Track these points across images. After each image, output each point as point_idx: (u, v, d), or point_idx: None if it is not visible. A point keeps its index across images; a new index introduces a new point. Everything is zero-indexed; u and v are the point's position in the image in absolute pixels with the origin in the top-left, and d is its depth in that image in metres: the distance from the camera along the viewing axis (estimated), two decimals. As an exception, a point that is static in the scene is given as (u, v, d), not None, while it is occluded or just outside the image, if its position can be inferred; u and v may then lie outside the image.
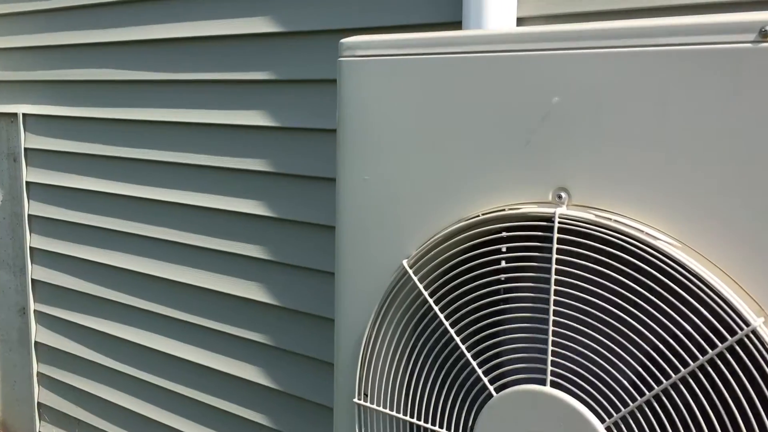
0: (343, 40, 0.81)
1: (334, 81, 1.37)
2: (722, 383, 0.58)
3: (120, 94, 1.83)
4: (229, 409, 1.76)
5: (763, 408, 0.56)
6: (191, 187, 1.76)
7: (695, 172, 0.60)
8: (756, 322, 0.56)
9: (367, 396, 0.82)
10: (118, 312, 1.93)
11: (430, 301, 0.74)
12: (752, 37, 0.57)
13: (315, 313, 1.55)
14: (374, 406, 0.81)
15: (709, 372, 0.58)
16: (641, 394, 0.62)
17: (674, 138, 0.60)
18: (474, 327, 0.72)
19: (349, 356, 0.85)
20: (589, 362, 0.65)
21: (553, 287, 0.65)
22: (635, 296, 0.61)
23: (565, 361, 0.66)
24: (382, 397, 0.81)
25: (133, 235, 1.87)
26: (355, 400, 0.82)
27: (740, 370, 0.57)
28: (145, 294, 1.87)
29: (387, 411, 0.80)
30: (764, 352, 0.56)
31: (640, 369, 0.62)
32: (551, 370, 0.66)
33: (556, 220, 0.65)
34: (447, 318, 0.73)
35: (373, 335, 0.80)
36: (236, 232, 1.66)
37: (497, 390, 0.70)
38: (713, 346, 0.58)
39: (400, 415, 0.79)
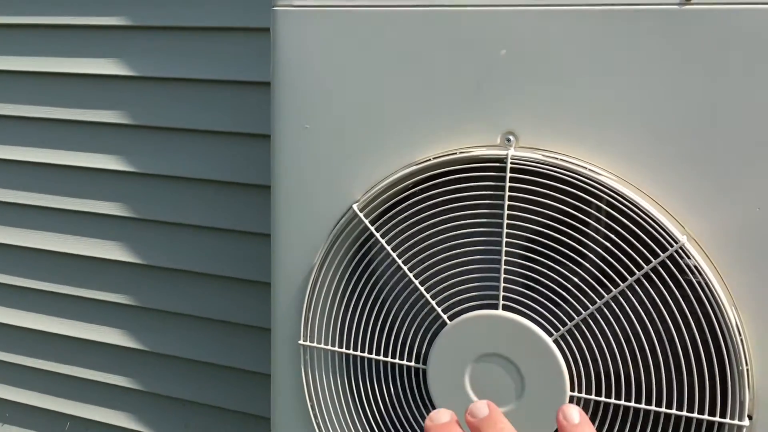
0: (279, -10, 0.81)
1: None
2: (656, 294, 0.69)
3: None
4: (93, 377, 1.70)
5: (690, 314, 0.68)
6: (34, 143, 1.64)
7: (626, 119, 0.70)
8: (682, 239, 0.67)
9: (313, 337, 0.85)
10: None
11: (382, 241, 0.79)
12: (676, 0, 0.67)
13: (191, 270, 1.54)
14: (322, 346, 0.85)
15: (645, 285, 0.69)
16: (585, 308, 0.72)
17: (609, 89, 0.70)
18: (426, 263, 0.78)
19: (289, 303, 0.87)
20: (538, 285, 0.74)
21: (505, 221, 0.73)
22: (580, 224, 0.71)
23: (515, 286, 0.74)
24: (330, 337, 0.85)
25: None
26: (301, 342, 0.86)
27: (671, 282, 0.68)
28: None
29: (336, 348, 0.84)
30: (690, 265, 0.67)
31: (584, 287, 0.72)
32: (503, 295, 0.75)
33: (509, 160, 0.72)
34: (399, 256, 0.79)
35: (320, 279, 0.84)
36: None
37: (450, 318, 0.77)
38: (648, 261, 0.69)
39: (350, 351, 0.84)
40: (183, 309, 1.56)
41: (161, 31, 1.44)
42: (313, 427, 0.87)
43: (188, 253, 1.52)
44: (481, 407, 0.49)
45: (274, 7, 0.82)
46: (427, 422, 0.49)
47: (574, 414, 0.49)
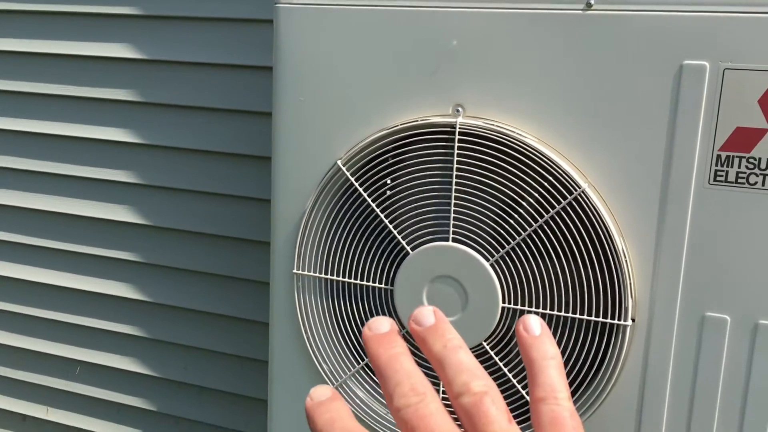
0: (280, -9, 1.03)
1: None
2: (566, 227, 0.92)
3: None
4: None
5: (590, 242, 0.91)
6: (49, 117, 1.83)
7: (545, 95, 0.92)
8: (584, 185, 0.91)
9: (304, 267, 1.08)
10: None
11: (360, 189, 1.01)
12: (581, 6, 0.89)
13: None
14: (311, 273, 1.07)
15: (557, 221, 0.92)
16: (513, 239, 0.95)
17: (532, 73, 0.92)
18: (394, 206, 1.00)
19: (284, 241, 1.09)
20: (479, 222, 0.96)
21: (455, 173, 0.96)
22: (511, 175, 0.94)
23: (462, 223, 0.97)
24: (318, 266, 1.07)
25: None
26: (295, 271, 1.08)
27: (576, 218, 0.91)
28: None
29: (322, 275, 1.07)
30: (590, 204, 0.91)
31: (513, 223, 0.95)
32: (452, 231, 0.97)
33: (458, 125, 0.95)
34: (373, 201, 1.01)
35: (310, 220, 1.06)
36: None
37: (412, 249, 1.00)
38: (559, 203, 0.92)
39: (334, 277, 1.06)
40: (183, 264, 1.77)
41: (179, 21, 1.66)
42: (305, 344, 1.09)
43: (185, 214, 1.73)
44: (427, 314, 0.47)
45: (277, 4, 1.04)
46: (365, 332, 0.47)
47: (535, 326, 0.48)
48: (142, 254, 1.80)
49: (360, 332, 1.07)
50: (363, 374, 1.08)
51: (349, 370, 1.08)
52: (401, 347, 0.46)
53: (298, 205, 1.07)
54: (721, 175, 0.86)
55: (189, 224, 1.73)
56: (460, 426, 0.43)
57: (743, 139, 0.85)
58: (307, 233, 1.06)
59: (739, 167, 0.86)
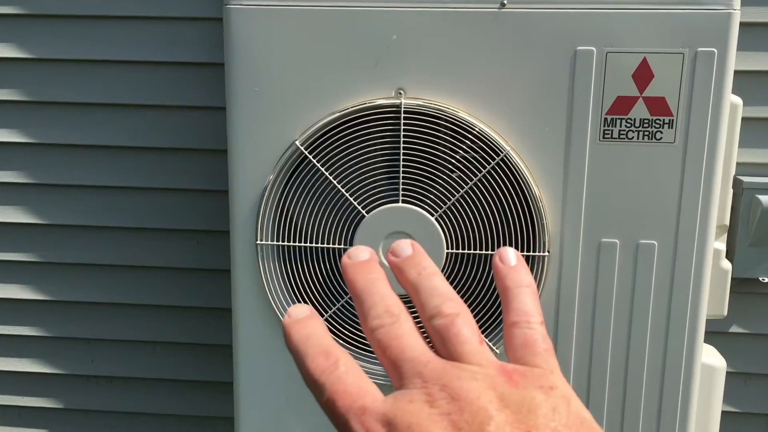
0: (231, -7, 1.15)
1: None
2: (495, 183, 1.15)
3: None
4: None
5: (515, 192, 1.15)
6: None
7: (472, 80, 1.14)
8: (507, 148, 1.14)
9: (267, 237, 1.22)
10: None
11: (318, 165, 1.17)
12: (497, 5, 1.12)
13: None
14: (274, 242, 1.22)
15: (488, 179, 1.15)
16: (453, 197, 1.16)
17: (461, 62, 1.14)
18: (349, 177, 1.18)
19: (246, 214, 1.22)
20: (424, 185, 1.17)
21: (402, 145, 1.15)
22: (448, 143, 1.15)
23: (410, 187, 1.17)
24: (280, 236, 1.22)
25: None
26: (257, 242, 1.22)
27: (503, 174, 1.15)
28: None
29: (286, 243, 1.21)
30: (513, 163, 1.14)
31: (452, 183, 1.16)
32: (402, 194, 1.17)
33: (402, 105, 1.14)
34: (330, 174, 1.18)
35: (270, 196, 1.20)
36: None
37: (367, 212, 1.18)
38: (489, 163, 1.15)
39: (299, 243, 1.21)
40: (85, 260, 1.79)
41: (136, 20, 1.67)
42: (272, 310, 1.23)
43: (85, 209, 1.76)
44: (404, 246, 0.48)
45: (227, 5, 1.16)
46: (344, 260, 0.47)
47: (511, 257, 0.49)
48: (39, 254, 1.79)
49: (320, 291, 1.24)
50: (327, 325, 1.25)
51: (313, 324, 1.24)
52: (379, 273, 0.46)
53: (257, 181, 1.21)
54: (608, 133, 1.14)
55: (87, 219, 1.76)
56: (432, 348, 0.44)
57: (622, 105, 1.13)
58: (266, 208, 1.20)
59: (621, 126, 1.13)
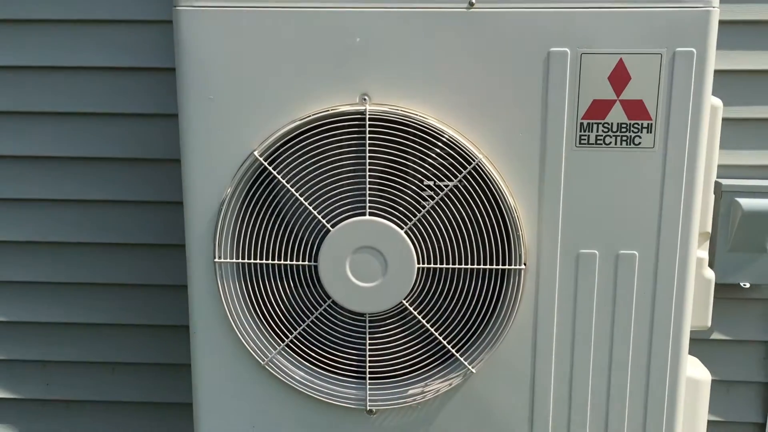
0: (181, -6, 1.07)
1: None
2: (467, 193, 1.08)
3: None
4: None
5: (488, 202, 1.08)
6: None
7: (440, 84, 1.07)
8: (480, 156, 1.07)
9: (226, 255, 1.14)
10: None
11: (278, 176, 1.10)
12: (465, 5, 1.06)
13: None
14: (234, 260, 1.14)
15: (460, 189, 1.08)
16: (423, 208, 1.09)
17: (429, 65, 1.07)
18: (312, 189, 1.10)
19: (202, 230, 1.14)
20: (392, 196, 1.10)
21: (368, 155, 1.08)
22: (418, 153, 1.08)
23: (377, 199, 1.10)
24: (239, 253, 1.14)
25: None
26: (216, 260, 1.14)
27: (476, 184, 1.08)
28: None
29: (246, 260, 1.14)
30: (486, 172, 1.08)
31: (422, 193, 1.09)
32: (369, 206, 1.10)
33: (367, 112, 1.07)
34: (291, 187, 1.10)
35: (229, 210, 1.12)
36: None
37: (333, 226, 1.10)
38: (460, 172, 1.08)
39: (257, 260, 1.13)
40: (36, 278, 1.70)
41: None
42: (231, 328, 1.15)
43: (31, 224, 1.67)
44: None
45: (176, 7, 1.08)
46: None
47: None
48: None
49: (283, 312, 1.16)
50: (289, 349, 1.17)
51: (277, 346, 1.16)
52: None
53: (213, 195, 1.13)
54: (585, 139, 1.08)
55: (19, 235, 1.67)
56: None
57: (599, 109, 1.07)
58: (225, 224, 1.13)
59: (597, 132, 1.07)
